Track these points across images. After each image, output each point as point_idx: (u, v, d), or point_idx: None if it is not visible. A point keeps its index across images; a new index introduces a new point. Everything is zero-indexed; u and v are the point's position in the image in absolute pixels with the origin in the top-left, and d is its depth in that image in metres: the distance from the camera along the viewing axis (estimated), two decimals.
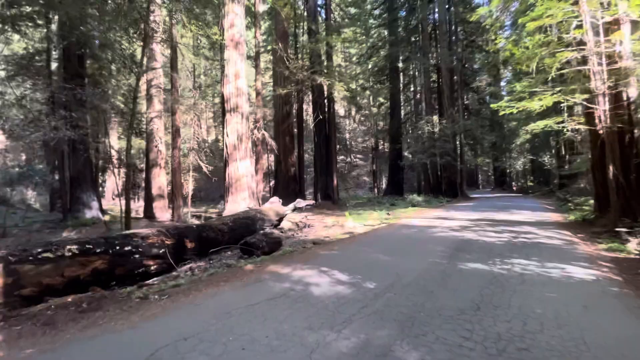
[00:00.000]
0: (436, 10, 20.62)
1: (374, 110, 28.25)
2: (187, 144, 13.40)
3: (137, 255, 3.45)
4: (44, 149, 16.27)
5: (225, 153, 11.10)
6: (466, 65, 21.86)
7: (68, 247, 2.79)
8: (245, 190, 11.36)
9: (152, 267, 3.70)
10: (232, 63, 11.46)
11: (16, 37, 13.41)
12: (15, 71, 11.15)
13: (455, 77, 21.02)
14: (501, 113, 7.40)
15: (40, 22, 11.73)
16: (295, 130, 20.33)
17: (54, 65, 13.79)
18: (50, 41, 12.56)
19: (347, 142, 39.14)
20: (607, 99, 6.44)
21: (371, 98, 29.22)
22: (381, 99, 27.56)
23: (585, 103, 6.81)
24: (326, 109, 16.41)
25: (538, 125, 7.80)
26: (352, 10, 20.49)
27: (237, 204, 11.10)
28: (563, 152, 20.23)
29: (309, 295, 3.14)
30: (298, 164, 19.85)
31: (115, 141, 22.24)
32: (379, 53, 21.93)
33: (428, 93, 20.12)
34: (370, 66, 23.70)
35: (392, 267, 4.20)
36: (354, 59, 23.40)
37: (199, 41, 17.91)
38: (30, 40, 12.75)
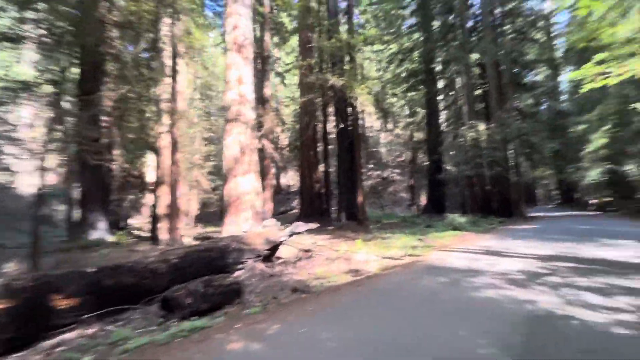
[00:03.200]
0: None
1: (409, 120, 25.87)
2: (194, 159, 12.48)
3: None
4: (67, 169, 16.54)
5: (225, 167, 9.77)
6: (517, 61, 18.70)
7: None
8: (248, 210, 9.79)
9: None
10: (234, 68, 10.27)
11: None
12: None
13: (503, 77, 18.01)
14: (584, 88, 4.97)
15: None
16: (321, 144, 18.86)
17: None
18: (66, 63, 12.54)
19: (383, 156, 36.76)
20: None
21: (406, 107, 26.96)
22: (418, 108, 25.24)
23: None
24: (349, 117, 14.62)
25: None
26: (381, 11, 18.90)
27: (238, 225, 9.53)
28: None
29: None
30: (325, 180, 18.19)
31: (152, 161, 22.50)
32: (412, 55, 19.80)
33: (470, 95, 17.39)
34: (402, 71, 21.57)
35: None
36: (384, 64, 21.48)
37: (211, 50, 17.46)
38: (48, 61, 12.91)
